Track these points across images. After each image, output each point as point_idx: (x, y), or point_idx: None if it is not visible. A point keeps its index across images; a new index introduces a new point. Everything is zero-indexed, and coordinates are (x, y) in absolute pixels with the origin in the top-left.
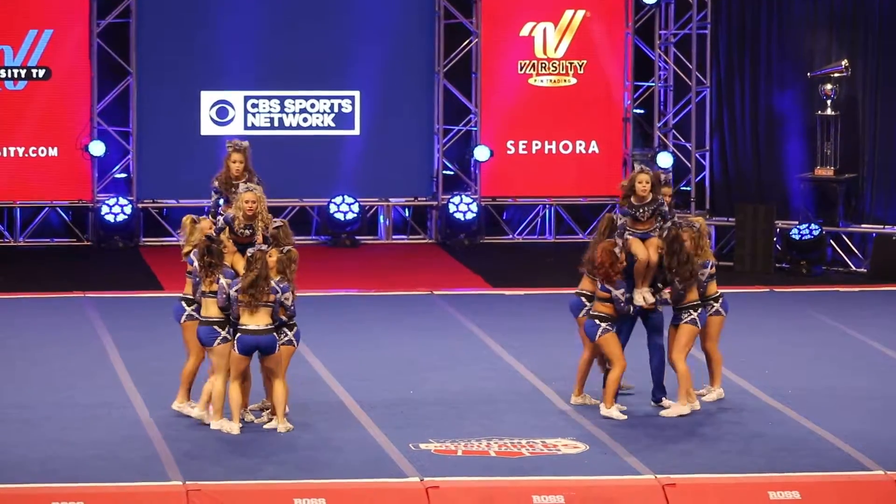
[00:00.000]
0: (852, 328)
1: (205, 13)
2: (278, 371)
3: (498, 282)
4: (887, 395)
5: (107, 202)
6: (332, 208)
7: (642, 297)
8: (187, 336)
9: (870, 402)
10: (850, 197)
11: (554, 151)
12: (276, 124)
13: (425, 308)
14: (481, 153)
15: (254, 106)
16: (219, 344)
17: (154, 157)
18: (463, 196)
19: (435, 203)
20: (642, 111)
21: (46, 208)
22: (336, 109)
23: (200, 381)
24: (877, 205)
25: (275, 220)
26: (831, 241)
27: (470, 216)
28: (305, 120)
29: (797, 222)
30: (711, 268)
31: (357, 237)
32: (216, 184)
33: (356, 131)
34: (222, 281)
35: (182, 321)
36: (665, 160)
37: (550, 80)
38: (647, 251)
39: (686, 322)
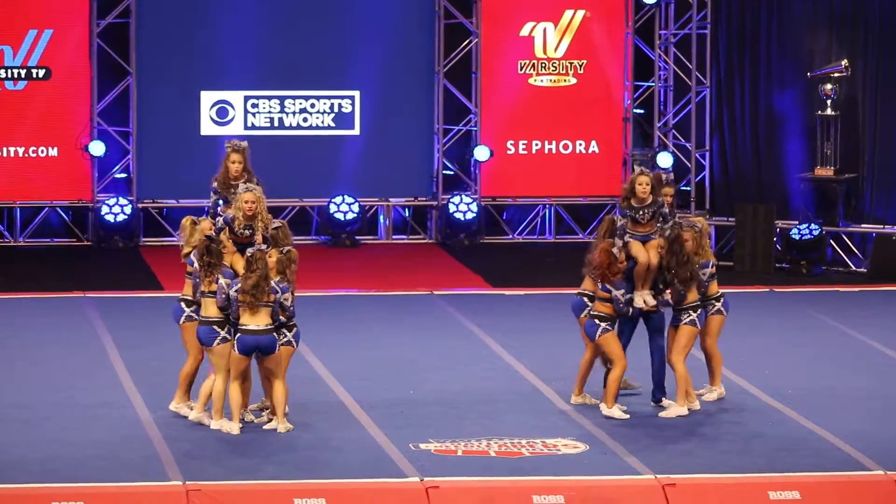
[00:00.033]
0: (852, 328)
1: (205, 13)
2: (278, 371)
3: (498, 282)
4: (887, 395)
5: (107, 202)
6: (332, 208)
7: (643, 299)
8: (186, 337)
9: (870, 402)
10: (850, 197)
11: (554, 151)
12: (276, 124)
13: (425, 308)
14: (481, 153)
15: (254, 106)
16: (218, 344)
17: (154, 157)
18: (463, 196)
19: (435, 203)
20: (642, 111)
21: (46, 208)
22: (336, 109)
23: (200, 382)
24: (877, 205)
25: (274, 220)
26: (831, 241)
27: (470, 216)
28: (305, 120)
29: (797, 222)
30: (712, 268)
31: (357, 237)
32: (215, 184)
33: (356, 131)
34: (221, 281)
35: (181, 322)
36: (665, 160)
37: (550, 80)
38: (647, 254)
39: (685, 323)
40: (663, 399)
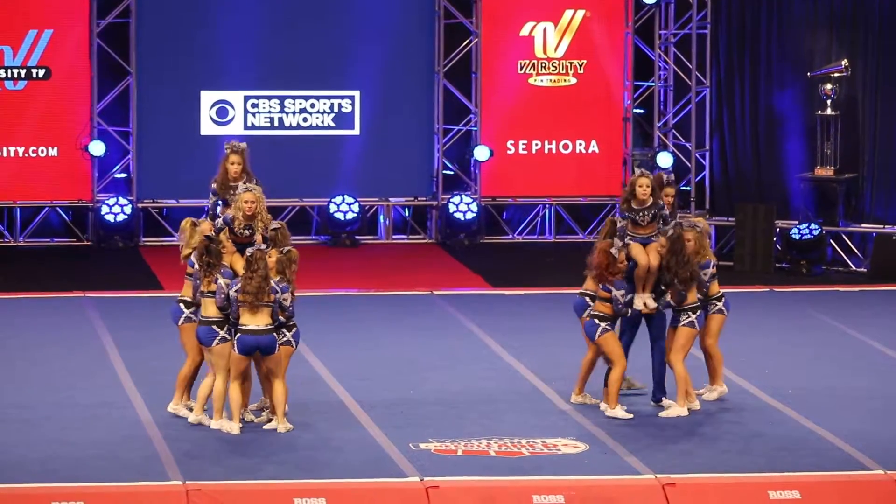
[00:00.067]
0: (852, 328)
1: (205, 13)
2: (278, 371)
3: (498, 282)
4: (887, 395)
5: (107, 202)
6: (332, 208)
7: (643, 302)
8: (184, 338)
9: (870, 401)
10: (849, 197)
11: (554, 151)
12: (275, 124)
13: (425, 308)
14: (481, 153)
15: (254, 106)
16: (217, 344)
17: (154, 157)
18: (463, 196)
19: (435, 203)
20: (642, 111)
21: (46, 208)
22: (336, 109)
23: (199, 383)
24: (877, 204)
25: (273, 221)
26: (831, 241)
27: (470, 216)
28: (305, 120)
29: (797, 222)
30: (713, 268)
31: (357, 237)
32: (214, 186)
33: (356, 131)
34: (220, 281)
35: (179, 323)
36: (665, 160)
37: (550, 80)
38: (647, 256)
39: (684, 324)
40: (663, 399)
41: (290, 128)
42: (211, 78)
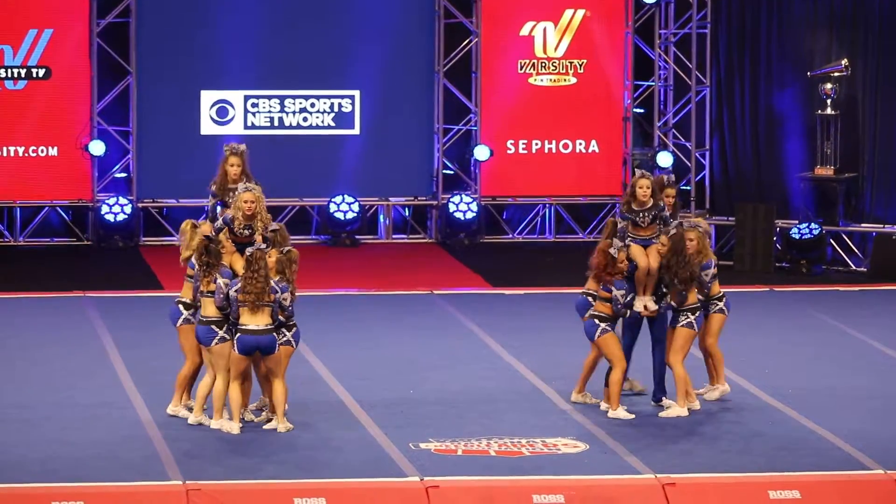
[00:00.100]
0: (852, 327)
1: (205, 13)
2: (278, 371)
3: (498, 281)
4: (887, 395)
5: (107, 202)
6: (332, 208)
7: (643, 304)
8: (183, 340)
9: (870, 401)
10: (849, 196)
11: (554, 151)
12: (275, 124)
13: (425, 308)
14: (481, 153)
15: (254, 105)
16: (217, 343)
17: (154, 157)
18: (463, 195)
19: (435, 202)
20: (642, 110)
21: (46, 208)
22: (336, 109)
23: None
24: (877, 204)
25: (272, 223)
26: (831, 241)
27: (470, 216)
28: (305, 119)
29: (797, 221)
30: (714, 268)
31: (357, 237)
32: (213, 188)
33: (356, 131)
34: (220, 281)
35: (178, 325)
36: (665, 160)
37: (550, 80)
38: (647, 258)
39: (683, 325)
40: (664, 399)
41: (290, 127)
42: (211, 78)
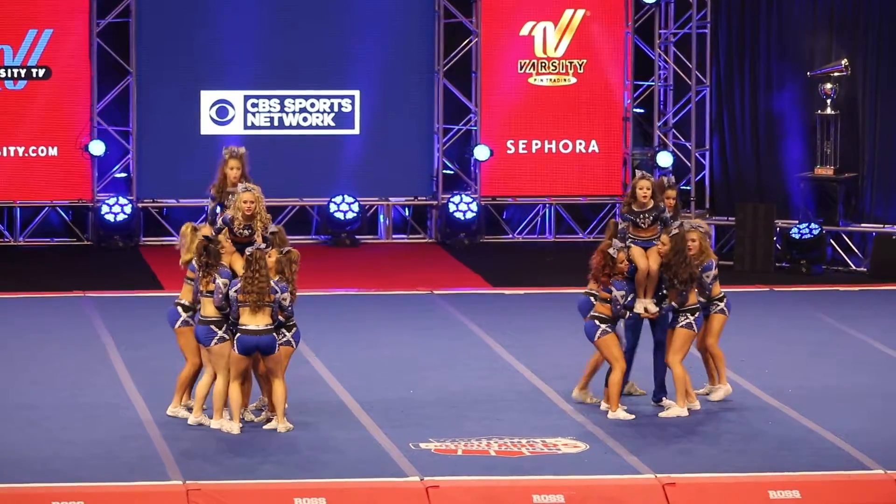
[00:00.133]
0: (852, 327)
1: (205, 13)
2: (278, 371)
3: (498, 281)
4: (887, 394)
5: (107, 202)
6: (332, 208)
7: (644, 307)
8: (181, 342)
9: (870, 401)
10: (849, 196)
11: (554, 151)
12: (275, 124)
13: (425, 308)
14: (481, 152)
15: (254, 105)
16: (216, 343)
17: (154, 157)
18: (463, 195)
19: (435, 202)
20: (642, 110)
21: (46, 208)
22: (336, 109)
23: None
24: (876, 204)
25: (271, 225)
26: (831, 241)
27: (470, 215)
28: (305, 119)
29: (797, 221)
30: (715, 269)
31: (357, 236)
32: (213, 191)
33: (356, 131)
34: (218, 281)
35: (176, 326)
36: (665, 159)
37: (550, 80)
38: (647, 260)
39: (682, 325)
40: (664, 399)
41: (290, 127)
42: (211, 78)
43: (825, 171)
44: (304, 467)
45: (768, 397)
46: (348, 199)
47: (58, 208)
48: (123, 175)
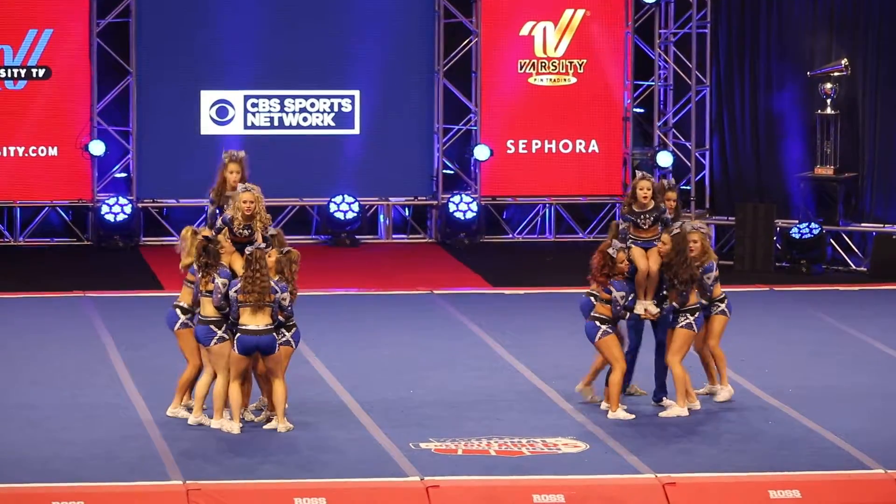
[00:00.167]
0: (852, 327)
1: (205, 13)
2: (278, 371)
3: (498, 281)
4: (887, 394)
5: (107, 202)
6: (332, 207)
7: (644, 308)
8: (182, 344)
9: (870, 400)
10: (849, 196)
11: (554, 151)
12: (275, 124)
13: (425, 307)
14: (481, 152)
15: (254, 105)
16: (215, 343)
17: (154, 157)
18: (463, 195)
19: (435, 202)
20: (642, 110)
21: (46, 208)
22: (336, 109)
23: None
24: (877, 204)
25: (270, 228)
26: (831, 240)
27: (470, 215)
28: (305, 119)
29: (797, 221)
30: (716, 270)
31: (357, 236)
32: (212, 195)
33: (356, 131)
34: (217, 280)
35: (175, 329)
36: (665, 159)
37: (550, 80)
38: (647, 261)
39: (682, 326)
40: (664, 398)
41: (290, 127)
42: (211, 78)
43: (825, 170)
44: (304, 467)
45: (768, 397)
46: (348, 198)
47: (58, 208)
48: (123, 175)
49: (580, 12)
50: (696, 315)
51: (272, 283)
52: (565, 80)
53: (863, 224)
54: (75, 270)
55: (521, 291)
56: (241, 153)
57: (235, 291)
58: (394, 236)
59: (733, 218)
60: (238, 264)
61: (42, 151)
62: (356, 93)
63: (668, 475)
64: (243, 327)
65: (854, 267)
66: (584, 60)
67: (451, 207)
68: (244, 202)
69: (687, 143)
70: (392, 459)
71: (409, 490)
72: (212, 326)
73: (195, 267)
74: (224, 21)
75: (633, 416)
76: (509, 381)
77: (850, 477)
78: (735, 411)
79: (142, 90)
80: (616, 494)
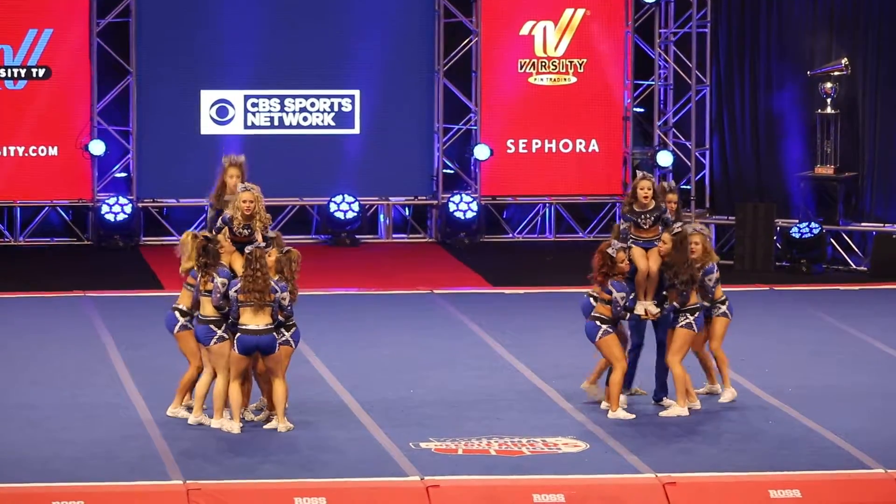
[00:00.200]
0: (852, 326)
1: (205, 13)
2: (278, 371)
3: (498, 281)
4: (887, 394)
5: (107, 201)
6: (333, 207)
7: (644, 308)
8: (182, 346)
9: (870, 400)
10: (849, 195)
11: (554, 150)
12: (276, 123)
13: (425, 307)
14: (481, 152)
15: (254, 105)
16: (215, 343)
17: (154, 157)
18: (463, 195)
19: (435, 202)
20: (642, 110)
21: (46, 208)
22: (336, 108)
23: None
24: (877, 203)
25: (268, 231)
26: (831, 240)
27: (470, 215)
28: (305, 119)
29: (797, 221)
30: (716, 272)
31: (357, 236)
32: (212, 200)
33: (356, 130)
34: (217, 280)
35: (175, 331)
36: (665, 159)
37: (550, 79)
38: (647, 262)
39: (682, 326)
40: (665, 398)
41: (291, 127)
42: (211, 77)
43: (825, 170)
44: (304, 467)
45: (768, 396)
46: (348, 198)
47: (58, 208)
48: (123, 175)
49: (580, 12)
50: (696, 315)
51: (272, 283)
52: (565, 79)
53: (863, 224)
54: (75, 270)
55: (521, 291)
56: (241, 157)
57: (235, 291)
58: (394, 236)
59: (733, 217)
60: (238, 264)
61: (42, 151)
62: (356, 92)
63: (669, 475)
64: (243, 327)
65: (854, 266)
66: (585, 60)
67: (452, 207)
68: (244, 201)
69: (687, 143)
70: (392, 459)
71: (409, 490)
72: (211, 326)
73: (195, 269)
74: (224, 21)
75: (633, 416)
76: (509, 381)
77: (851, 476)
78: (735, 411)
79: (142, 90)
80: (616, 494)
